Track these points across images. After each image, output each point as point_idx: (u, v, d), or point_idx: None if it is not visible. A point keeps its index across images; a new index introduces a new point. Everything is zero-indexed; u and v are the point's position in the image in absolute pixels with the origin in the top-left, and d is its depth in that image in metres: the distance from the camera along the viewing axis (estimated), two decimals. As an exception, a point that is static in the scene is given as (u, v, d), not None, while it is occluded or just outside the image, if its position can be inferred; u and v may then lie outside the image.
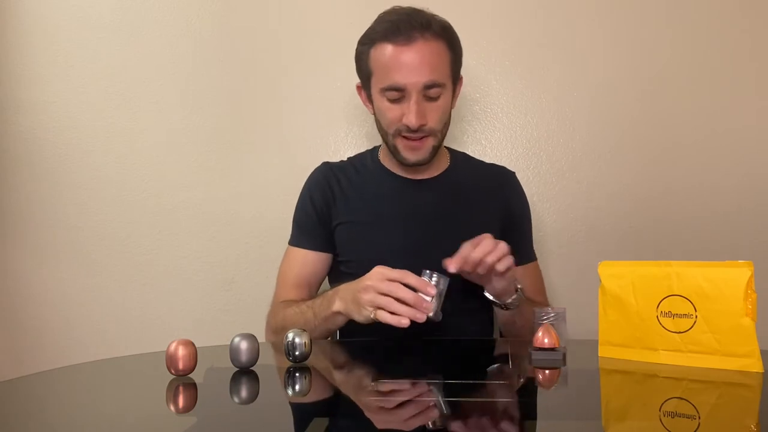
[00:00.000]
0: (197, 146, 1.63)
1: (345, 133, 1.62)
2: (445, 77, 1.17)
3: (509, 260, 1.03)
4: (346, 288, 1.07)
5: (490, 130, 1.60)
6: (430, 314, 0.96)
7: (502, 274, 1.04)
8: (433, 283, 0.98)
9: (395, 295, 0.97)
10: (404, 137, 1.19)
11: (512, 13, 1.59)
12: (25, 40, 1.65)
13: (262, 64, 1.62)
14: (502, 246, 1.03)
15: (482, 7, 1.59)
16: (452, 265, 1.01)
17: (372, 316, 0.99)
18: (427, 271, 0.99)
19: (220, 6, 1.63)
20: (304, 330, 0.93)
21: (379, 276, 1.00)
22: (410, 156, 1.21)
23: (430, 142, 1.20)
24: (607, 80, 1.57)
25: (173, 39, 1.63)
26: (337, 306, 1.07)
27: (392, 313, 0.96)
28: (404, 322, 0.95)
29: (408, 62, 1.13)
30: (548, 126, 1.58)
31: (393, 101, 1.17)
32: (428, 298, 0.97)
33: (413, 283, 0.97)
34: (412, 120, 1.14)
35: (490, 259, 1.01)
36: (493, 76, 1.59)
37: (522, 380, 0.90)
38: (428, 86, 1.15)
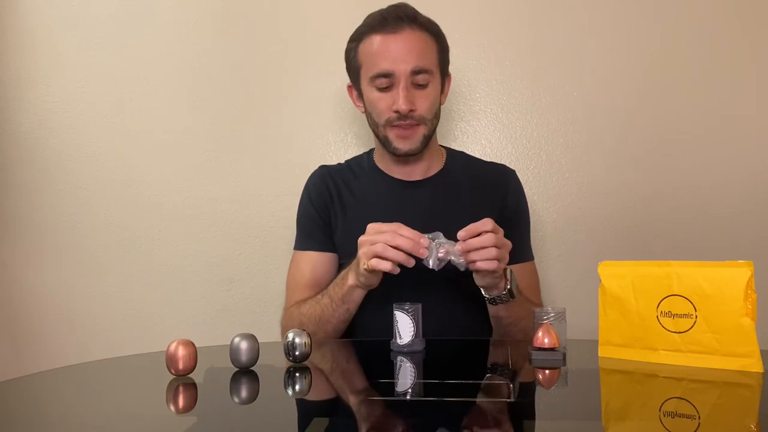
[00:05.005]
0: (197, 146, 1.63)
1: (345, 133, 1.62)
2: (432, 65, 1.21)
3: (491, 264, 1.01)
4: (355, 260, 1.10)
5: (490, 130, 1.60)
6: (429, 264, 1.01)
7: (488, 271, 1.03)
8: (430, 237, 1.01)
9: (390, 243, 1.00)
10: (395, 126, 1.21)
11: (512, 13, 1.59)
12: (25, 40, 1.65)
13: (263, 64, 1.62)
14: (494, 251, 1.01)
15: (482, 8, 1.59)
16: (463, 231, 1.01)
17: (364, 267, 1.03)
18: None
19: (220, 6, 1.63)
20: (304, 330, 0.93)
21: (372, 230, 1.04)
22: (401, 145, 1.22)
23: (420, 131, 1.21)
24: (607, 80, 1.57)
25: (173, 39, 1.63)
26: (351, 279, 1.10)
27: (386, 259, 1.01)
28: (396, 270, 1.01)
29: (396, 49, 1.18)
30: (548, 126, 1.58)
31: (382, 90, 1.20)
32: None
33: (406, 233, 1.01)
34: (401, 104, 1.17)
35: (477, 256, 1.01)
36: (493, 76, 1.59)
37: (521, 380, 0.90)
38: (416, 71, 1.18)
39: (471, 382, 0.87)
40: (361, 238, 1.05)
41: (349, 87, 1.31)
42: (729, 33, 1.54)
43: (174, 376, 0.86)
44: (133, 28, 1.64)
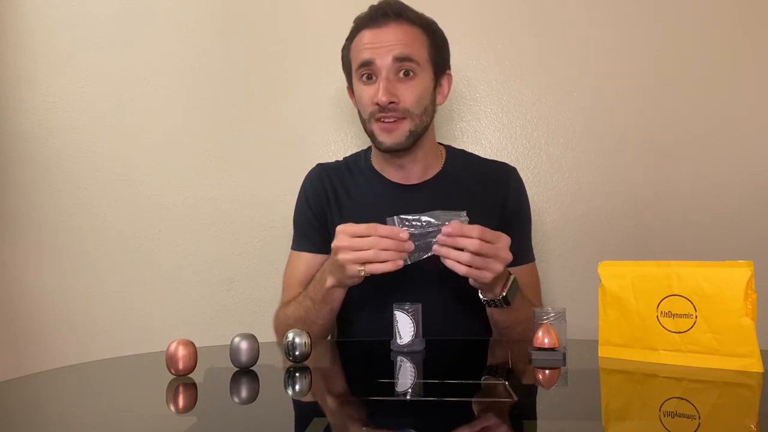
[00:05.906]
0: (197, 146, 1.63)
1: (345, 133, 1.62)
2: (419, 57, 1.18)
3: (459, 268, 1.00)
4: (329, 262, 1.09)
5: (490, 129, 1.60)
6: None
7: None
8: (397, 223, 1.00)
9: (377, 247, 0.99)
10: (378, 120, 1.19)
11: (512, 13, 1.59)
12: (25, 40, 1.65)
13: (263, 64, 1.62)
14: (466, 256, 0.99)
15: (482, 8, 1.59)
16: (449, 227, 0.99)
17: (362, 273, 1.01)
18: (394, 218, 1.01)
19: (220, 6, 1.63)
20: (304, 330, 0.93)
21: (348, 233, 1.02)
22: (385, 139, 1.19)
23: (405, 125, 1.18)
24: (606, 80, 1.57)
25: (173, 39, 1.63)
26: (330, 281, 1.09)
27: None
28: (399, 264, 0.99)
29: (379, 39, 1.18)
30: (548, 126, 1.58)
31: (367, 82, 1.19)
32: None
33: (384, 232, 0.99)
34: (380, 96, 1.15)
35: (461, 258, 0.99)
36: (493, 76, 1.59)
37: (521, 380, 0.90)
38: (399, 59, 1.16)
39: (471, 382, 0.87)
40: (337, 244, 1.03)
41: (347, 88, 1.31)
42: (729, 33, 1.54)
43: (174, 376, 0.86)
44: (133, 28, 1.64)
